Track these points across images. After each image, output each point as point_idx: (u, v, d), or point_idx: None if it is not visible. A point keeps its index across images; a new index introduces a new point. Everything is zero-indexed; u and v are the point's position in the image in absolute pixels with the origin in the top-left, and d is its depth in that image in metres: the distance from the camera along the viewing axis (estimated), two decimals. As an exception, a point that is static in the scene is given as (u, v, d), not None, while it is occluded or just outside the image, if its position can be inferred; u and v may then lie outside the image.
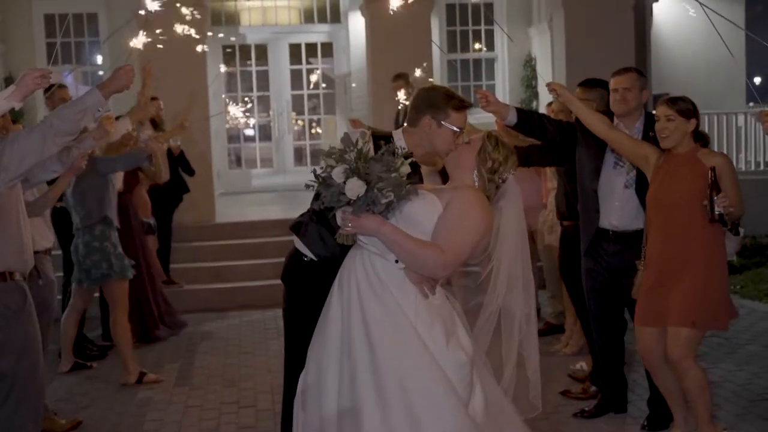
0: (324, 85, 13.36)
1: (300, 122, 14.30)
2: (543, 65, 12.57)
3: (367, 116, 11.24)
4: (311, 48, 13.83)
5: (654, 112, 4.65)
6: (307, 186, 3.17)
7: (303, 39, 13.79)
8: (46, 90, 6.45)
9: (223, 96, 13.25)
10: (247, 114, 12.31)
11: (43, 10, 12.55)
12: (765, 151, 12.30)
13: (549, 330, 6.97)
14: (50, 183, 5.67)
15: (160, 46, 5.65)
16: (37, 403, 4.00)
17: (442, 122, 3.48)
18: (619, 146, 4.66)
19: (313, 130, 14.39)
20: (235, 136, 14.10)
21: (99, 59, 13.02)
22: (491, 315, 3.34)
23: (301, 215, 3.78)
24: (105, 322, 7.33)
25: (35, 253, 4.48)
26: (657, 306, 4.40)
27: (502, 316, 3.36)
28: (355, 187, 3.01)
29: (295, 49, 13.77)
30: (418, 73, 8.37)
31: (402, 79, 9.61)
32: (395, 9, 5.86)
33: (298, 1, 13.80)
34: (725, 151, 11.45)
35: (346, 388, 3.11)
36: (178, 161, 8.84)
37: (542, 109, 10.20)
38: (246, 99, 13.06)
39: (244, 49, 13.73)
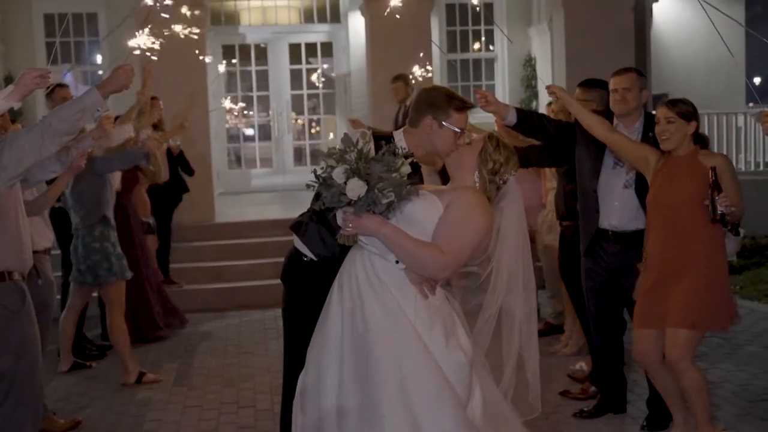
0: (320, 84, 13.36)
1: (300, 122, 14.31)
2: (543, 65, 12.56)
3: (367, 116, 11.23)
4: (311, 48, 13.83)
5: (654, 112, 4.65)
6: (308, 186, 3.16)
7: (303, 39, 13.79)
8: (49, 91, 6.45)
9: (223, 97, 13.25)
10: (244, 110, 12.35)
11: (42, 9, 12.55)
12: (765, 151, 12.31)
13: (548, 330, 6.97)
14: (49, 182, 5.67)
15: (157, 43, 5.65)
16: (36, 404, 4.00)
17: (443, 123, 3.47)
18: (619, 149, 4.65)
19: (312, 130, 14.39)
20: (234, 135, 14.11)
21: (99, 59, 13.01)
22: (491, 316, 3.33)
23: (301, 215, 3.78)
24: (104, 321, 7.32)
25: (34, 252, 4.48)
26: (656, 308, 4.40)
27: (502, 316, 3.35)
28: (355, 188, 3.01)
29: (294, 48, 13.77)
30: (418, 71, 8.36)
31: (401, 80, 9.61)
32: (395, 8, 5.86)
33: (298, 0, 13.79)
34: (725, 152, 11.47)
35: (346, 388, 3.11)
36: (178, 161, 8.84)
37: (542, 109, 10.21)
38: (242, 102, 13.08)
39: (244, 49, 13.73)
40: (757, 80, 21.09)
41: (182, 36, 6.97)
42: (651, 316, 4.43)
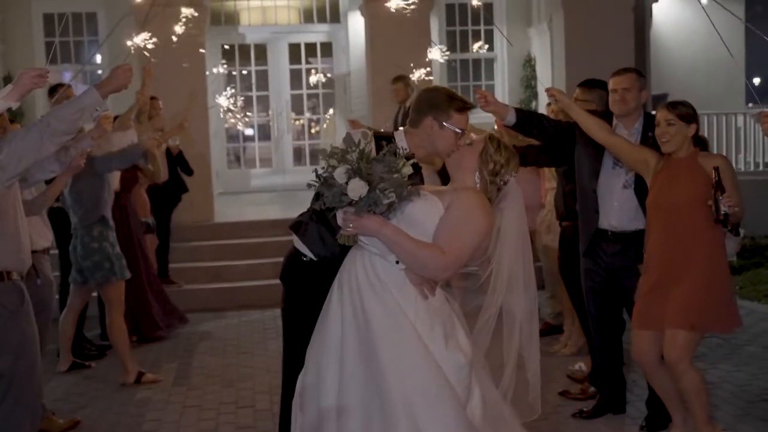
0: (321, 83, 13.35)
1: (299, 122, 14.30)
2: (542, 66, 12.56)
3: (367, 116, 11.23)
4: (311, 48, 13.83)
5: (654, 112, 4.65)
6: (309, 186, 3.16)
7: (302, 39, 13.79)
8: (52, 91, 6.47)
9: (220, 95, 13.24)
10: (243, 110, 12.31)
11: (42, 9, 12.55)
12: (764, 151, 12.31)
13: (548, 330, 6.97)
14: (48, 182, 5.67)
15: (157, 43, 5.65)
16: (35, 404, 3.99)
17: (444, 123, 3.46)
18: (619, 151, 4.65)
19: (312, 130, 14.39)
20: (234, 135, 14.10)
21: (98, 58, 13.01)
22: (491, 317, 3.33)
23: (301, 214, 3.77)
24: (103, 321, 7.32)
25: (33, 252, 4.48)
26: (656, 309, 4.39)
27: (503, 317, 3.35)
28: (357, 188, 3.00)
29: (294, 48, 13.77)
30: (417, 74, 8.37)
31: (402, 81, 9.60)
32: (399, 8, 5.86)
33: (298, 0, 13.79)
34: (724, 152, 11.47)
35: (346, 388, 3.11)
36: (177, 161, 8.84)
37: (542, 110, 10.21)
38: (238, 100, 13.08)
39: (244, 49, 13.73)
40: (756, 81, 21.09)
41: (181, 30, 6.96)
42: (650, 318, 4.43)
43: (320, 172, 3.10)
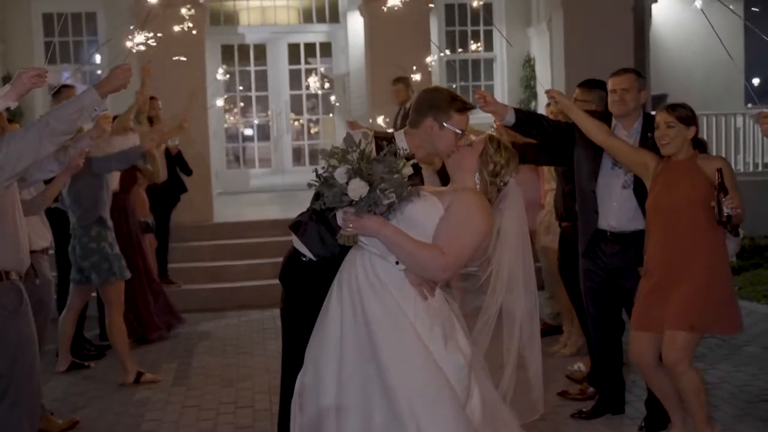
0: (320, 84, 13.37)
1: (299, 122, 14.30)
2: (542, 66, 12.57)
3: (366, 117, 11.23)
4: (310, 48, 13.83)
5: (653, 113, 4.64)
6: (310, 185, 3.16)
7: (302, 39, 13.79)
8: (56, 93, 6.47)
9: (219, 98, 13.26)
10: (243, 110, 12.37)
11: (41, 9, 12.55)
12: (763, 152, 12.32)
13: (547, 331, 6.96)
14: (47, 182, 5.66)
15: (156, 43, 5.64)
16: (33, 404, 3.99)
17: (444, 124, 3.46)
18: (618, 154, 4.64)
19: (312, 131, 14.39)
20: (233, 135, 14.11)
21: (97, 58, 13.01)
22: (490, 318, 3.33)
23: (301, 214, 3.77)
24: (103, 321, 7.32)
25: (32, 252, 4.48)
26: (655, 311, 4.39)
27: (502, 317, 3.35)
28: (357, 188, 3.00)
29: (293, 49, 13.76)
30: (418, 77, 8.38)
31: (402, 82, 9.61)
32: (395, 7, 5.86)
33: (297, 1, 13.79)
34: (723, 153, 11.49)
35: (345, 388, 3.11)
36: (176, 161, 8.83)
37: (541, 110, 10.20)
38: (240, 102, 13.12)
39: (243, 49, 13.72)
40: (755, 81, 21.09)
41: (181, 30, 6.97)
42: (649, 319, 4.42)
43: (321, 171, 3.10)
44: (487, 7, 13.09)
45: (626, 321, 5.04)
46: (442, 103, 3.49)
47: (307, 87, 13.37)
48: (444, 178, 3.80)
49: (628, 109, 4.85)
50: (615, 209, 4.90)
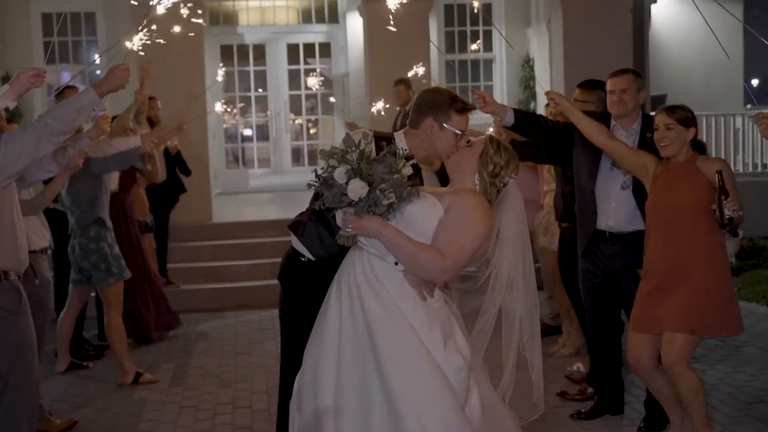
0: (319, 85, 13.36)
1: (298, 123, 14.30)
2: (541, 66, 12.57)
3: (365, 117, 11.22)
4: (309, 48, 13.82)
5: (652, 114, 4.64)
6: (309, 185, 3.15)
7: (301, 39, 13.79)
8: (59, 93, 6.47)
9: (218, 102, 13.25)
10: (242, 111, 12.39)
11: (40, 9, 12.54)
12: (762, 153, 12.32)
13: (546, 331, 6.95)
14: (46, 182, 5.66)
15: (156, 40, 5.63)
16: (32, 404, 3.98)
17: (444, 125, 3.45)
18: (618, 156, 4.64)
19: (311, 131, 14.39)
20: (232, 135, 14.10)
21: (96, 58, 13.00)
22: (489, 319, 3.33)
23: (300, 214, 3.77)
24: (101, 322, 7.31)
25: (32, 252, 4.48)
26: (654, 312, 4.38)
27: (502, 318, 3.35)
28: (357, 188, 3.00)
29: (293, 49, 13.76)
30: (420, 71, 8.35)
31: (404, 83, 9.60)
32: (395, 8, 5.84)
33: (297, 1, 13.79)
34: (723, 153, 11.49)
35: (343, 389, 3.10)
36: (175, 161, 8.83)
37: (540, 110, 10.20)
38: (240, 102, 13.14)
39: (242, 49, 13.72)
40: (755, 82, 21.11)
41: (180, 30, 6.95)
42: (648, 321, 4.42)
43: (320, 172, 3.09)
44: (487, 8, 13.09)
45: (625, 322, 5.04)
46: (442, 103, 3.49)
47: (307, 87, 13.37)
48: (443, 178, 3.80)
49: (626, 110, 4.85)
50: (614, 210, 4.90)
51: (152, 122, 8.37)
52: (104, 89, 3.80)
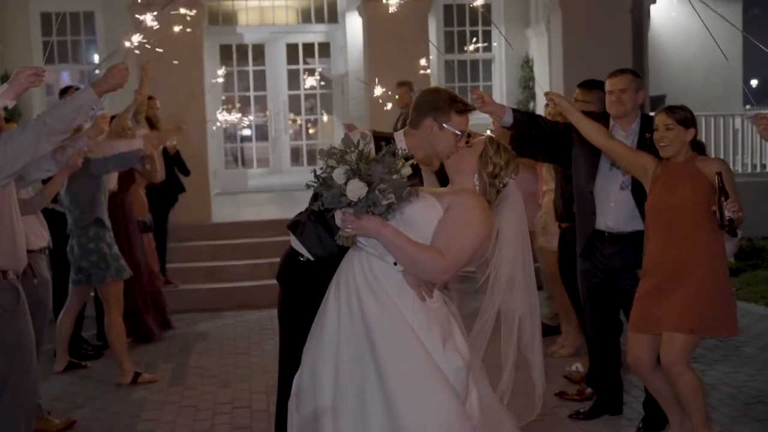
0: (319, 84, 13.35)
1: (297, 122, 14.30)
2: (540, 66, 12.57)
3: (364, 117, 11.23)
4: (308, 48, 13.82)
5: (651, 114, 4.64)
6: (308, 186, 3.15)
7: (300, 39, 13.78)
8: (62, 93, 6.48)
9: (222, 98, 13.28)
10: (240, 118, 12.36)
11: (39, 8, 12.53)
12: (762, 153, 12.33)
13: (545, 331, 6.92)
14: (45, 181, 5.66)
15: (154, 47, 5.64)
16: (30, 403, 3.98)
17: (444, 125, 3.45)
18: (617, 156, 4.64)
19: (310, 131, 14.39)
20: (231, 135, 14.09)
21: (96, 58, 13.00)
22: (489, 319, 3.33)
23: (299, 214, 3.76)
24: (100, 321, 7.31)
25: (30, 251, 4.47)
26: (653, 313, 4.38)
27: (501, 318, 3.35)
28: (356, 189, 2.99)
29: (292, 49, 13.76)
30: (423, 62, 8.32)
31: (406, 85, 9.60)
32: (394, 7, 5.84)
33: (296, 1, 13.78)
34: (722, 154, 11.49)
35: (342, 389, 3.10)
36: (174, 161, 8.82)
37: (539, 111, 10.20)
38: (238, 111, 13.15)
39: (242, 49, 13.71)
40: (754, 82, 21.12)
41: (179, 29, 6.95)
42: (647, 321, 4.42)
43: (319, 172, 3.09)
44: (486, 8, 13.09)
45: (624, 322, 5.04)
46: (442, 104, 3.48)
47: (305, 88, 13.38)
48: (442, 179, 3.80)
49: (625, 110, 4.85)
50: (613, 210, 4.89)
51: (151, 122, 8.37)
52: (103, 88, 3.79)
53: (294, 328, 3.59)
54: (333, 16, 13.67)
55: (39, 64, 11.37)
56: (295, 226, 3.73)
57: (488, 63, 13.75)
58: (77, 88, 6.28)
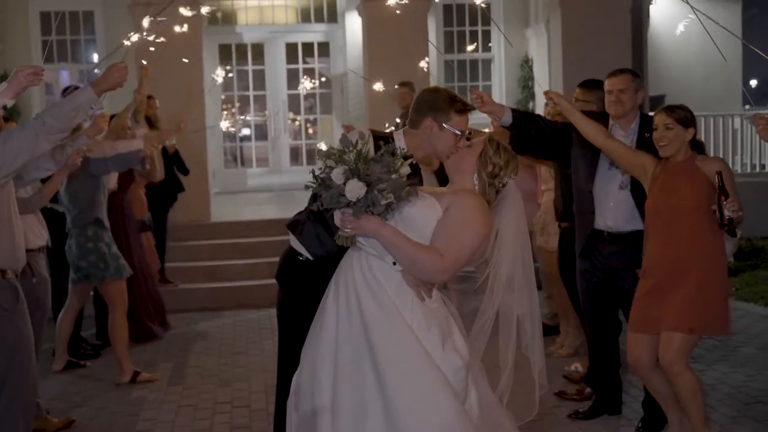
0: (319, 83, 13.35)
1: (296, 122, 14.29)
2: (540, 66, 12.56)
3: (364, 116, 11.22)
4: (308, 47, 13.82)
5: (651, 114, 4.63)
6: (307, 187, 3.15)
7: (300, 38, 13.78)
8: (64, 92, 6.48)
9: (222, 97, 13.29)
10: (241, 121, 12.45)
11: (39, 7, 12.52)
12: (761, 153, 12.33)
13: (544, 331, 6.93)
14: (44, 180, 5.65)
15: (152, 39, 5.64)
16: (29, 402, 3.98)
17: (444, 125, 3.45)
18: (616, 156, 4.64)
19: (309, 130, 14.38)
20: (231, 135, 14.07)
21: (95, 57, 12.99)
22: (488, 319, 3.33)
23: (298, 213, 3.76)
24: (99, 320, 7.31)
25: (29, 251, 4.47)
26: (653, 312, 4.38)
27: (501, 318, 3.35)
28: (355, 189, 2.99)
29: (291, 48, 13.75)
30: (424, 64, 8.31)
31: (407, 86, 9.61)
32: (393, 7, 5.84)
33: (295, 0, 13.77)
34: (721, 154, 11.49)
35: (341, 388, 3.10)
36: (173, 160, 8.82)
37: (539, 110, 10.20)
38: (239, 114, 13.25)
39: (241, 49, 13.71)
40: (753, 82, 21.12)
41: (178, 29, 6.95)
42: (647, 321, 4.42)
43: (317, 172, 3.09)
44: (486, 8, 13.08)
45: (623, 322, 5.04)
46: (442, 103, 3.48)
47: (306, 88, 13.38)
48: (442, 179, 3.79)
49: (624, 110, 4.85)
50: (612, 209, 4.89)
51: (150, 121, 8.37)
52: (102, 87, 3.79)
53: (293, 328, 3.59)
54: (332, 16, 13.67)
55: (38, 63, 11.36)
56: (294, 225, 3.73)
57: (488, 63, 13.75)
58: (78, 88, 6.29)
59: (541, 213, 6.55)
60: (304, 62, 13.84)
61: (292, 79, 13.74)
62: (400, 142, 3.59)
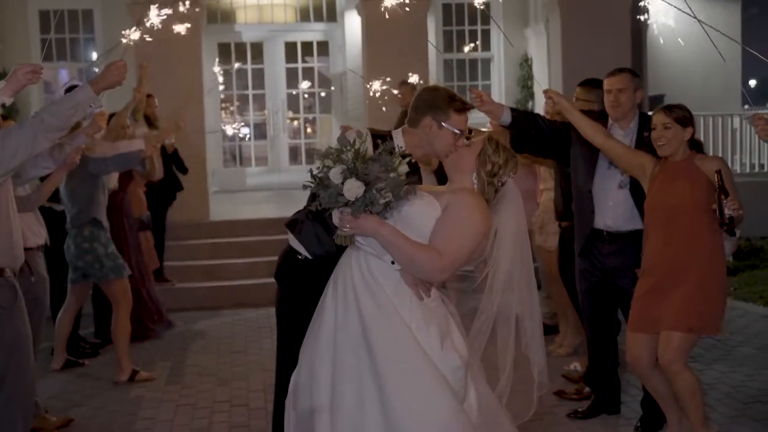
0: (318, 82, 13.36)
1: (295, 121, 14.29)
2: (539, 66, 12.56)
3: (363, 116, 11.22)
4: (307, 46, 13.81)
5: (650, 113, 4.63)
6: (305, 187, 3.14)
7: (299, 37, 13.78)
8: (67, 91, 6.47)
9: (221, 97, 13.29)
10: (242, 124, 12.50)
11: (38, 6, 12.52)
12: (760, 153, 12.33)
13: (543, 331, 6.95)
14: (43, 179, 5.64)
15: (150, 37, 5.64)
16: (27, 401, 3.98)
17: (443, 124, 3.44)
18: (615, 156, 4.64)
19: (308, 129, 14.38)
20: (230, 134, 14.08)
21: (94, 56, 12.99)
22: (487, 318, 3.32)
23: (297, 212, 3.76)
24: (98, 319, 7.31)
25: (27, 249, 4.46)
26: (652, 312, 4.38)
27: (500, 317, 3.34)
28: (353, 188, 2.98)
29: (290, 47, 13.74)
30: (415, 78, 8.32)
31: (408, 85, 9.61)
32: (392, 8, 5.84)
33: (294, -1, 13.79)
34: (720, 153, 11.49)
35: (339, 387, 3.09)
36: (172, 159, 8.82)
37: (538, 110, 10.19)
38: (241, 121, 13.30)
39: (240, 48, 13.70)
40: (752, 82, 21.12)
41: (178, 28, 6.94)
42: (646, 321, 4.41)
43: (315, 172, 3.08)
44: (486, 7, 13.07)
45: (622, 321, 5.04)
46: (441, 102, 3.48)
47: (304, 87, 13.39)
48: (441, 178, 3.79)
49: (624, 110, 4.85)
50: (611, 209, 4.89)
51: (149, 120, 8.36)
52: (101, 86, 3.79)
53: (291, 327, 3.58)
54: (332, 15, 13.66)
55: (37, 61, 11.36)
56: (293, 224, 3.72)
57: (487, 62, 13.75)
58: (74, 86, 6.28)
59: (540, 212, 6.55)
60: (304, 61, 13.83)
61: (291, 78, 13.75)
62: (399, 141, 3.58)
